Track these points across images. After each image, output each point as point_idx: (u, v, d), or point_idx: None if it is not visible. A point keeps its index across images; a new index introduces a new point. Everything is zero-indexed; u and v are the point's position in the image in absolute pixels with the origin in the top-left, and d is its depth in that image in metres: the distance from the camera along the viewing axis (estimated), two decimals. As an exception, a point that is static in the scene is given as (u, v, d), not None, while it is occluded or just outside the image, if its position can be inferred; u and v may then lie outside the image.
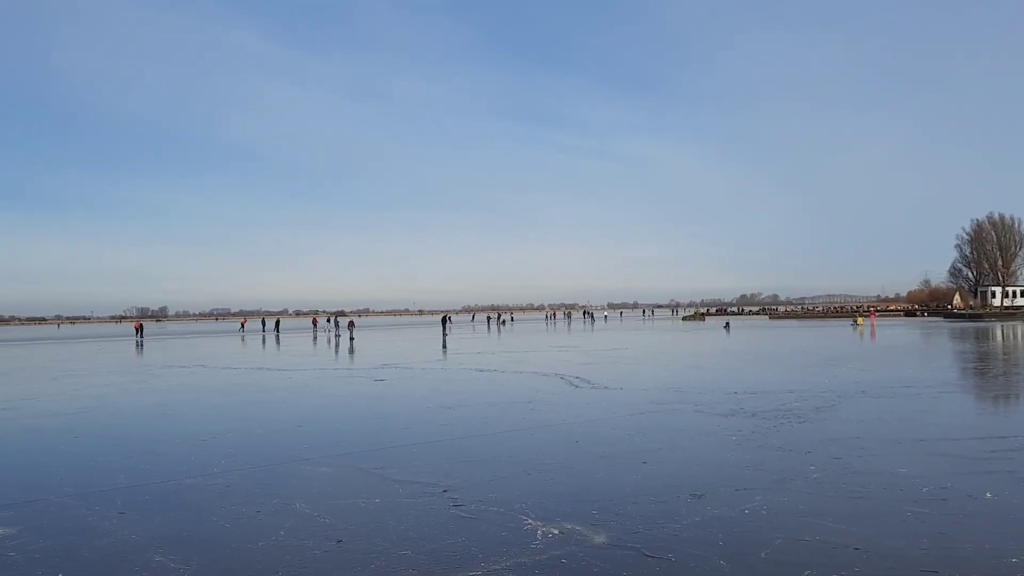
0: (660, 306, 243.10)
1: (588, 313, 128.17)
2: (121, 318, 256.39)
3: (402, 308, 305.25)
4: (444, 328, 63.54)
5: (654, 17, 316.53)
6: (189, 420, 14.70)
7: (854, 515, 7.18)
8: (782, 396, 15.96)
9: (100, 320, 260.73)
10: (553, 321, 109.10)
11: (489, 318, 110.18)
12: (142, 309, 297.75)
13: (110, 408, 16.78)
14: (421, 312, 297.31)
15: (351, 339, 52.15)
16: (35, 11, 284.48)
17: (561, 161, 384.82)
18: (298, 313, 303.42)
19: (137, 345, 51.65)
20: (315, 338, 58.22)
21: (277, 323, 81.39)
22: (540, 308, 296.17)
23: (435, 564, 6.09)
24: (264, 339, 58.73)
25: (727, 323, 74.52)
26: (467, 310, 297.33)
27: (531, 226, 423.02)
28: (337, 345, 43.88)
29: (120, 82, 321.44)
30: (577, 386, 18.76)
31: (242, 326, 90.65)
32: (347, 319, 64.21)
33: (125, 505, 8.08)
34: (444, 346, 41.56)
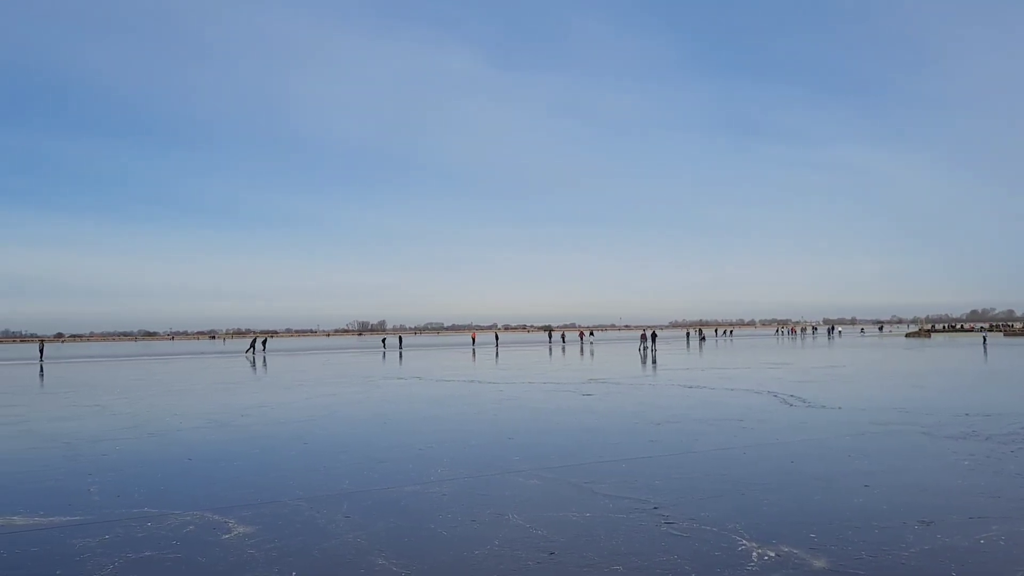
0: (883, 322, 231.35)
1: (831, 329, 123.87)
2: (344, 331, 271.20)
3: (608, 323, 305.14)
4: (653, 343, 63.00)
5: (873, 19, 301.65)
6: (407, 430, 15.33)
7: (1109, 552, 6.54)
8: (1021, 419, 14.76)
9: (324, 333, 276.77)
10: (792, 336, 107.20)
11: (688, 333, 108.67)
12: (362, 323, 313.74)
13: (336, 417, 17.77)
14: (628, 327, 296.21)
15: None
16: (265, 44, 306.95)
17: (771, 173, 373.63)
18: (507, 327, 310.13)
19: (383, 357, 54.91)
20: (564, 350, 61.60)
21: (563, 335, 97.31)
22: (751, 324, 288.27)
23: (647, 581, 6.05)
24: (485, 353, 60.43)
25: (984, 338, 65.87)
26: (674, 325, 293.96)
27: (740, 240, 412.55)
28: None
29: (343, 110, 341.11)
30: (791, 404, 18.12)
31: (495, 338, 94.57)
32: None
33: (350, 509, 8.53)
34: (653, 361, 41.22)
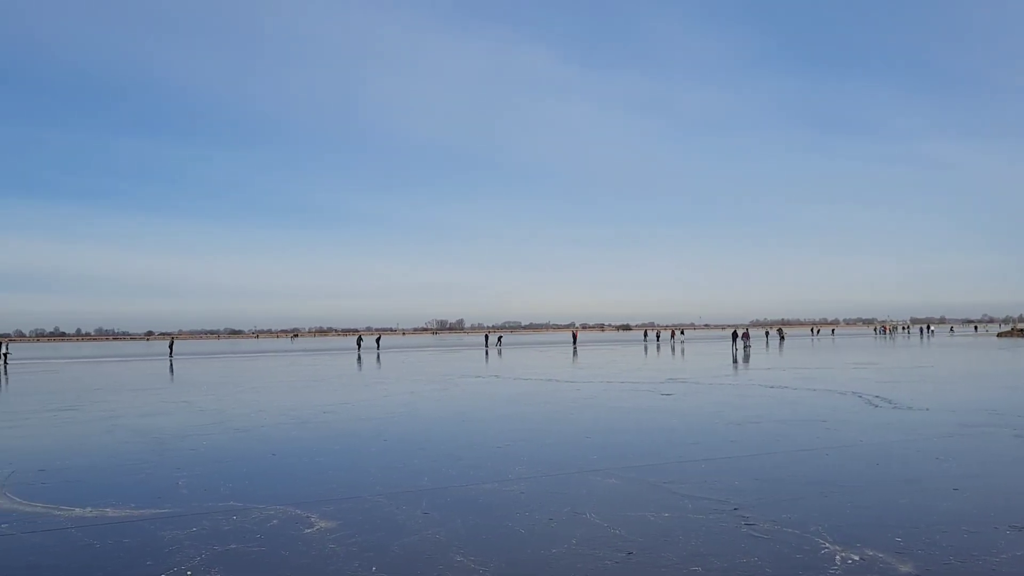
0: (973, 321, 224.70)
1: (925, 327, 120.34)
2: (423, 330, 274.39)
3: (687, 322, 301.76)
4: (734, 343, 62.03)
5: (963, 8, 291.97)
6: (485, 428, 15.42)
7: None
8: (1122, 422, 14.16)
9: (400, 331, 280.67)
10: (885, 335, 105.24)
11: (767, 333, 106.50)
12: (441, 321, 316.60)
13: (415, 414, 17.97)
14: (707, 326, 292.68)
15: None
16: (343, 43, 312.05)
17: (855, 168, 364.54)
18: (584, 326, 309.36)
19: (486, 355, 55.74)
20: (658, 348, 62.66)
21: (657, 334, 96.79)
22: (835, 323, 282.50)
23: (726, 582, 5.97)
24: (562, 351, 60.51)
25: None
26: (755, 324, 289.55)
27: (822, 237, 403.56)
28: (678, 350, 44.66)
29: (417, 109, 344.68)
30: (876, 405, 17.68)
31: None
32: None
33: (429, 506, 8.62)
34: (733, 361, 40.68)
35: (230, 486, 9.96)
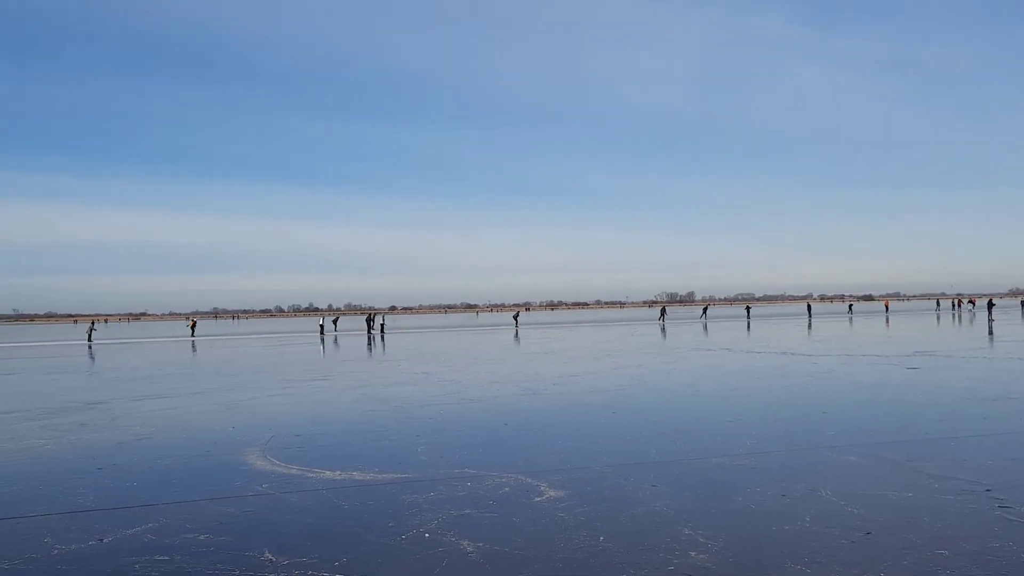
0: None
1: None
2: (652, 303, 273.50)
3: (937, 292, 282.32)
4: (990, 313, 57.36)
5: None
6: (715, 401, 15.16)
7: None
8: None
9: (634, 304, 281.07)
10: None
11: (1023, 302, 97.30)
12: (671, 294, 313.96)
13: (644, 387, 17.94)
14: (959, 298, 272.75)
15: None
16: (572, 17, 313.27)
17: None
18: (822, 298, 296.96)
19: (748, 326, 55.91)
20: (953, 316, 62.55)
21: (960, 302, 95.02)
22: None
23: (977, 568, 5.55)
24: (798, 324, 58.49)
25: None
26: (1013, 293, 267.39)
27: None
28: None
29: (647, 77, 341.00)
30: None
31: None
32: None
33: (657, 479, 8.60)
34: (990, 332, 37.68)
35: (465, 453, 10.38)
